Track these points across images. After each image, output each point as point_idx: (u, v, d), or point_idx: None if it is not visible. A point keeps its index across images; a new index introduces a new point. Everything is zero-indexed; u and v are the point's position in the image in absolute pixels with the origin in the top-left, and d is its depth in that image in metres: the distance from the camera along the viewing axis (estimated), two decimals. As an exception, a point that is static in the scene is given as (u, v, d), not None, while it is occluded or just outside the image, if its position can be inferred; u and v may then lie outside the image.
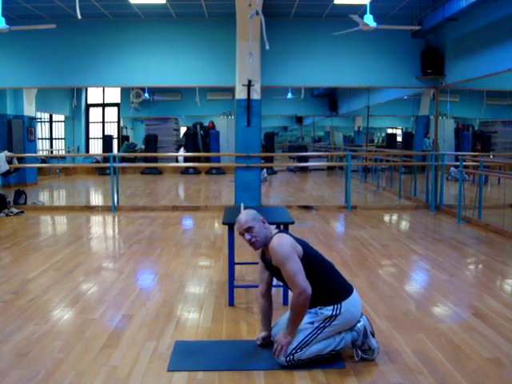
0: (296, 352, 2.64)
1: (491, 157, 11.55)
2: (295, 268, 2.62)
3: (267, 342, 2.90)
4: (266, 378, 2.59)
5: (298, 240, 2.79)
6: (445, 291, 4.00)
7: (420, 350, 2.88)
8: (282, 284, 3.69)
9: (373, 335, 2.77)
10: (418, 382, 2.51)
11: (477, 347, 2.91)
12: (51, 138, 16.30)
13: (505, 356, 2.80)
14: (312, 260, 2.74)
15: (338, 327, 2.70)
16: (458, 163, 7.59)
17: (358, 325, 2.73)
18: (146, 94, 17.37)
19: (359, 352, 2.72)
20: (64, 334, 3.13)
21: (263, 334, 2.93)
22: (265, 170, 13.21)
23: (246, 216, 2.77)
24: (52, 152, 16.20)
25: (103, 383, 2.52)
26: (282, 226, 3.72)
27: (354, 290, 2.81)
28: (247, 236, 2.75)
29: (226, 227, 3.67)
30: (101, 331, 3.18)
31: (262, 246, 2.80)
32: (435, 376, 2.57)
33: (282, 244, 2.67)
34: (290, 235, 2.82)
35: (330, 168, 16.93)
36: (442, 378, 2.55)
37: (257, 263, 4.34)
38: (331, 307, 2.68)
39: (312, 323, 2.68)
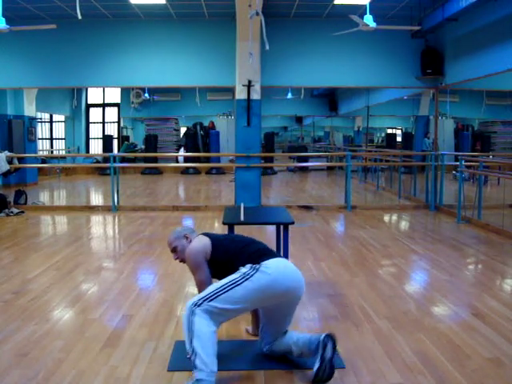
0: (206, 300, 2.44)
1: (491, 157, 11.55)
2: (202, 278, 2.70)
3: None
4: (265, 377, 2.59)
5: (213, 237, 2.77)
6: (445, 291, 4.00)
7: (420, 349, 2.88)
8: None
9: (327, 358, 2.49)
10: (418, 382, 2.52)
11: (477, 347, 2.91)
12: (51, 138, 16.31)
13: (505, 356, 2.80)
14: (221, 247, 2.71)
15: (255, 287, 2.45)
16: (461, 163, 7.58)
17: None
18: (146, 94, 17.39)
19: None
20: (64, 334, 3.13)
21: (252, 329, 3.09)
22: None
23: (170, 237, 2.86)
24: (52, 152, 16.21)
25: (103, 383, 2.52)
26: (282, 226, 3.73)
27: (284, 259, 2.68)
28: (174, 256, 2.86)
29: (226, 227, 3.68)
30: (101, 331, 3.18)
31: None
32: (435, 376, 2.57)
33: (190, 254, 2.73)
34: (206, 234, 2.82)
35: (329, 168, 16.95)
36: (441, 377, 2.56)
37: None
38: (250, 265, 2.54)
39: (237, 273, 2.54)
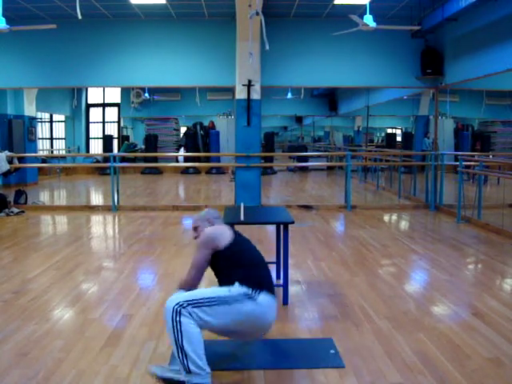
0: (190, 303, 2.38)
1: (491, 157, 11.55)
2: (197, 260, 2.69)
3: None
4: (266, 377, 2.60)
5: (237, 236, 2.76)
6: (444, 291, 4.01)
7: (420, 349, 2.89)
8: (282, 284, 3.72)
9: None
10: (418, 382, 2.52)
11: (477, 347, 2.92)
12: (51, 138, 16.31)
13: (505, 356, 2.80)
14: (237, 249, 2.68)
15: (242, 312, 2.42)
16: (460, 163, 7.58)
17: None
18: (146, 94, 17.39)
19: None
20: (64, 334, 3.14)
21: None
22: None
23: (195, 216, 2.96)
24: (52, 152, 16.21)
25: (103, 383, 2.53)
26: (282, 226, 3.73)
27: (275, 298, 2.63)
28: (194, 234, 2.92)
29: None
30: (101, 331, 3.19)
31: None
32: (435, 376, 2.57)
33: (204, 234, 2.75)
34: (230, 229, 2.81)
35: (329, 168, 16.94)
36: (441, 377, 2.56)
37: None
38: (251, 289, 2.48)
39: (229, 290, 2.48)
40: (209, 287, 2.75)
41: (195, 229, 2.89)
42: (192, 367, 2.30)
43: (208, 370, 2.34)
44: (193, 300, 2.39)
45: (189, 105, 17.03)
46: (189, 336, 2.32)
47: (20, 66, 8.79)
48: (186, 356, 2.30)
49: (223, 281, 2.65)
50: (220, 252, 2.67)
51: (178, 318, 2.33)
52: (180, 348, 2.31)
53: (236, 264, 2.62)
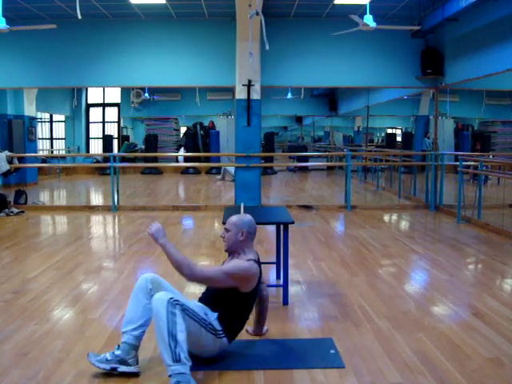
0: (179, 303, 2.47)
1: (491, 157, 11.55)
2: (217, 280, 2.71)
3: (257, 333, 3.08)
4: (266, 377, 2.60)
5: (258, 283, 2.85)
6: (444, 291, 4.01)
7: (420, 349, 2.89)
8: (282, 284, 3.72)
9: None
10: (418, 382, 2.52)
11: (476, 347, 2.91)
12: (51, 138, 16.31)
13: (505, 356, 2.80)
14: (242, 300, 2.79)
15: (202, 336, 2.60)
16: (461, 163, 7.58)
17: None
18: (146, 94, 17.38)
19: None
20: (64, 334, 3.14)
21: (253, 329, 3.12)
22: (223, 168, 13.32)
23: (233, 219, 2.94)
24: (52, 152, 16.20)
25: (103, 383, 2.53)
26: (282, 226, 3.73)
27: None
28: (222, 234, 2.94)
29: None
30: (101, 331, 3.18)
31: (229, 251, 2.93)
32: (435, 376, 2.57)
33: (243, 264, 2.77)
34: (259, 275, 2.85)
35: (329, 168, 16.93)
36: (441, 377, 2.56)
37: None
38: (221, 328, 2.67)
39: (206, 314, 2.66)
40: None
41: (227, 230, 2.90)
42: (181, 356, 2.36)
43: (191, 362, 2.42)
44: (183, 304, 2.50)
45: (189, 105, 17.03)
46: (181, 328, 2.40)
47: (20, 66, 8.79)
48: (177, 344, 2.36)
49: (211, 298, 2.76)
50: (239, 292, 2.75)
51: (173, 310, 2.42)
52: (173, 336, 2.37)
53: (232, 306, 2.74)
